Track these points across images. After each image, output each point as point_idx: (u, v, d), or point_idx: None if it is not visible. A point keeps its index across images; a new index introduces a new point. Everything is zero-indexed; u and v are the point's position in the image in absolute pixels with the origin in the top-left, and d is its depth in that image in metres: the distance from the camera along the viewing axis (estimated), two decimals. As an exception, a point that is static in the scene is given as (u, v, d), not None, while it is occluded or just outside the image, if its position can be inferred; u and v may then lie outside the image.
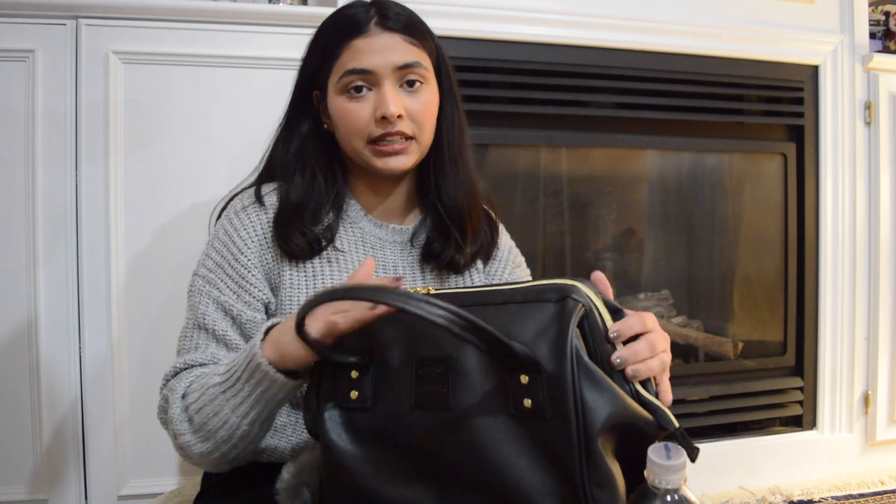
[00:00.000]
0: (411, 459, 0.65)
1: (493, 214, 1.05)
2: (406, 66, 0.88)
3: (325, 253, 0.91)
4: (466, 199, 0.96)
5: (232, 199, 0.96)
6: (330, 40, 0.90)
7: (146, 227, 1.37)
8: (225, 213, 0.94)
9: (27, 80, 1.31)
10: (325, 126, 0.94)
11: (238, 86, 1.41)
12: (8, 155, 1.32)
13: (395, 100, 0.86)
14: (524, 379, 0.60)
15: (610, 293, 0.70)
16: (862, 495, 1.78)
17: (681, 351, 1.95)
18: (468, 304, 0.66)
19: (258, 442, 0.81)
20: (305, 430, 0.83)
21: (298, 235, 0.88)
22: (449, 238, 0.95)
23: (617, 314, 0.67)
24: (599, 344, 0.63)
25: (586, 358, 0.60)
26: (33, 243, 1.32)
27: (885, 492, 1.81)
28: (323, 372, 0.71)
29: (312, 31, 1.46)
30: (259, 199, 0.91)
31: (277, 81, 1.42)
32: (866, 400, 1.92)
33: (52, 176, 1.33)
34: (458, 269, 0.97)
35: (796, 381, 1.91)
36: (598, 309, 0.64)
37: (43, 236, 1.33)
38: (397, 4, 0.91)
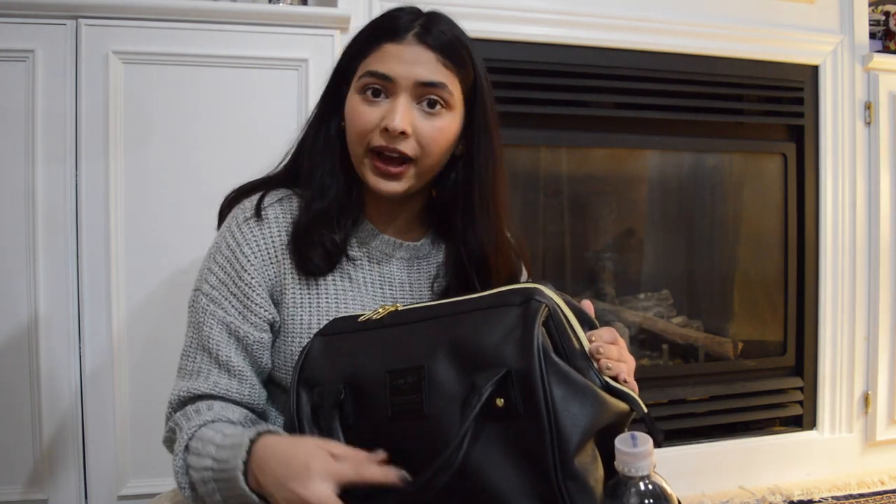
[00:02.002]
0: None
1: (521, 266, 0.99)
2: (429, 85, 0.82)
3: (336, 268, 0.88)
4: (494, 246, 0.90)
5: (241, 193, 0.93)
6: (366, 38, 0.86)
7: (146, 227, 1.37)
8: (227, 223, 0.90)
9: (27, 80, 1.31)
10: (343, 124, 0.89)
11: (238, 86, 1.41)
12: (8, 155, 1.32)
13: (404, 115, 0.81)
14: None
15: (593, 314, 0.73)
16: (862, 495, 1.78)
17: (681, 351, 1.95)
18: (437, 316, 0.69)
19: None
20: None
21: (317, 250, 0.85)
22: (468, 286, 0.90)
23: (580, 315, 0.69)
24: (566, 341, 0.65)
25: (554, 355, 0.62)
26: (33, 244, 1.32)
27: (885, 492, 1.81)
28: (301, 398, 0.72)
29: (312, 30, 1.46)
30: (258, 213, 0.87)
31: (278, 81, 1.42)
32: (866, 400, 1.92)
33: (51, 175, 1.33)
34: None
35: (796, 381, 1.91)
36: (561, 309, 0.66)
37: (42, 237, 1.32)
38: (447, 22, 0.87)
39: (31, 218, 1.32)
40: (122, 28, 1.34)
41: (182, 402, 0.83)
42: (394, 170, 0.83)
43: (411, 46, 0.83)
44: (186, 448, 0.78)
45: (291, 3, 1.52)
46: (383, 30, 0.85)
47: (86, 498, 1.36)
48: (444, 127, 0.84)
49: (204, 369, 0.83)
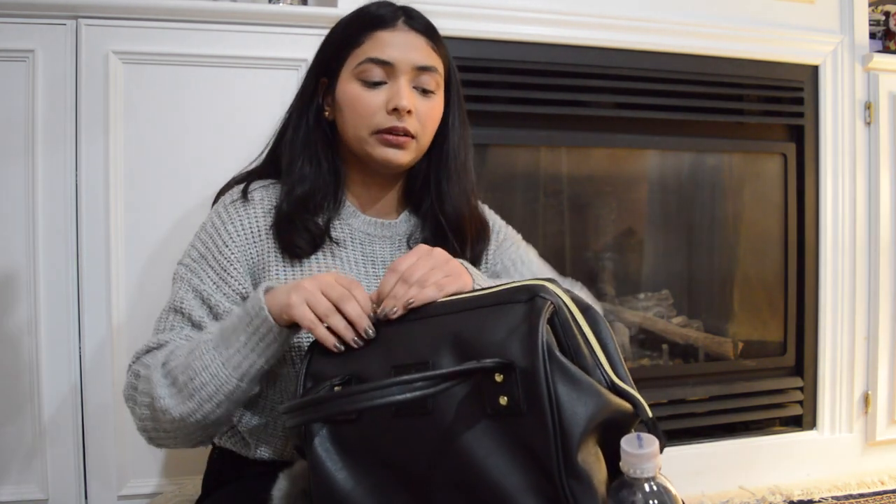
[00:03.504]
0: (396, 468, 0.66)
1: (487, 224, 1.05)
2: (424, 69, 0.90)
3: (320, 248, 0.92)
4: (467, 209, 0.98)
5: (232, 183, 0.98)
6: (353, 29, 0.91)
7: (145, 226, 1.37)
8: (214, 207, 0.95)
9: (27, 80, 1.31)
10: (327, 114, 0.94)
11: (238, 86, 1.41)
12: (8, 155, 1.32)
13: (409, 96, 0.88)
14: (498, 377, 0.61)
15: None
16: (862, 495, 1.78)
17: (681, 351, 1.95)
18: (443, 313, 0.69)
19: (237, 409, 0.81)
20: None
21: (302, 234, 0.89)
22: (448, 250, 0.95)
23: (587, 312, 0.69)
24: (571, 339, 0.64)
25: (559, 353, 0.61)
26: (33, 243, 1.32)
27: (885, 492, 1.81)
28: (306, 388, 0.72)
29: (312, 30, 1.46)
30: (245, 195, 0.92)
31: (277, 81, 1.42)
32: (866, 400, 1.92)
33: (51, 175, 1.33)
34: None
35: (796, 381, 1.91)
36: (567, 306, 0.66)
37: (43, 236, 1.33)
38: (418, 11, 0.94)
39: (32, 217, 1.32)
40: (122, 28, 1.34)
41: (148, 351, 0.85)
42: (402, 140, 0.89)
43: (403, 32, 0.90)
44: (164, 363, 0.79)
45: (291, 3, 1.52)
46: (371, 20, 0.90)
47: (86, 498, 1.36)
48: (436, 105, 0.93)
49: (177, 326, 0.87)
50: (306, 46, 1.41)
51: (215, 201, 0.99)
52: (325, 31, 0.99)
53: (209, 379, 0.76)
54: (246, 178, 0.97)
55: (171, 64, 1.38)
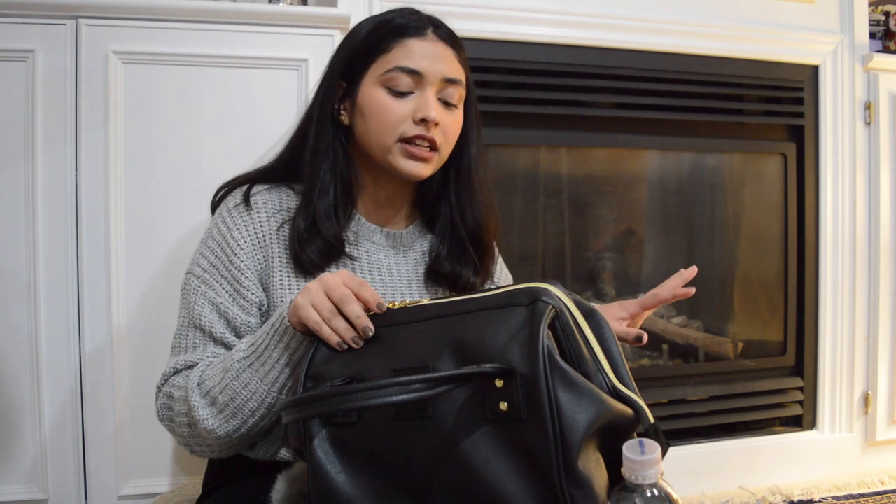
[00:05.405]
0: (395, 472, 0.66)
1: (493, 243, 1.05)
2: (452, 81, 0.90)
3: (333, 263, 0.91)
4: (488, 223, 0.98)
5: (235, 183, 0.96)
6: (382, 34, 0.89)
7: (146, 226, 1.37)
8: (218, 210, 0.94)
9: (27, 80, 1.31)
10: (343, 118, 0.92)
11: (238, 86, 1.41)
12: (8, 155, 1.32)
13: (437, 107, 0.88)
14: (499, 383, 0.60)
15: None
16: (862, 495, 1.78)
17: (681, 351, 1.95)
18: (443, 315, 0.69)
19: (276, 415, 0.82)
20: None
21: (318, 245, 0.88)
22: (467, 261, 0.97)
23: (590, 317, 0.68)
24: (573, 344, 0.64)
25: (559, 359, 0.60)
26: (33, 243, 1.32)
27: (885, 492, 1.81)
28: (306, 389, 0.72)
29: (312, 30, 1.46)
30: (247, 199, 0.90)
31: (278, 81, 1.42)
32: (866, 400, 1.92)
33: (51, 175, 1.33)
34: (474, 288, 0.98)
35: (796, 381, 1.91)
36: (569, 310, 0.65)
37: (43, 236, 1.33)
38: (444, 23, 0.93)
39: (32, 217, 1.32)
40: (122, 28, 1.34)
41: (176, 372, 0.86)
42: (427, 154, 0.89)
43: (434, 42, 0.89)
44: (199, 384, 0.81)
45: (291, 3, 1.52)
46: (400, 27, 0.89)
47: (86, 498, 1.36)
48: (458, 119, 0.93)
49: (199, 344, 0.87)
50: (306, 46, 1.41)
51: (215, 202, 0.98)
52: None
53: (250, 396, 0.78)
54: (247, 180, 0.95)
55: (171, 64, 1.38)
